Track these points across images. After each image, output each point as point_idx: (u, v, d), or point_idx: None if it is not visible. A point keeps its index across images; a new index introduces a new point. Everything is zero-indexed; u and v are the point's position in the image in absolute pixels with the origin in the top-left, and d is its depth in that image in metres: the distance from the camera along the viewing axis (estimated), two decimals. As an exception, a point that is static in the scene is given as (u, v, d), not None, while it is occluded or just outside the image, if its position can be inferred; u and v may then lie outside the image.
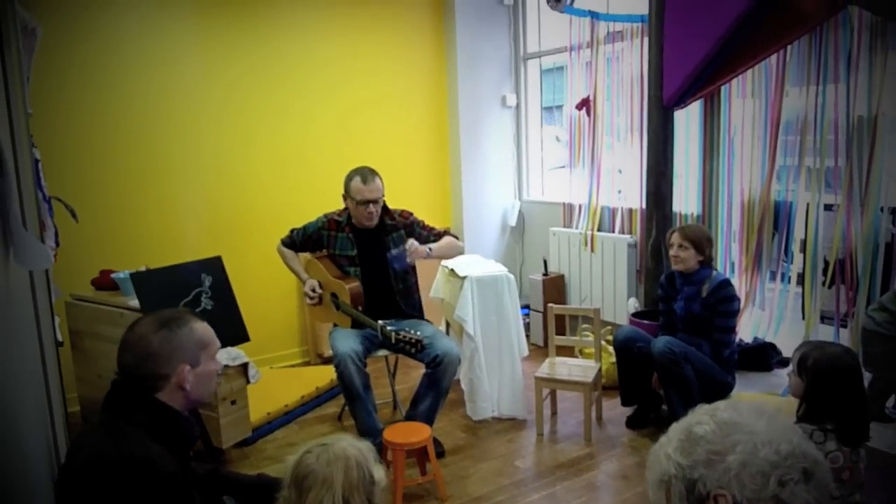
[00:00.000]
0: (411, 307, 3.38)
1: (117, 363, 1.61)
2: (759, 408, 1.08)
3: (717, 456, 1.02)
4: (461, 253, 3.46)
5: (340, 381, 3.04)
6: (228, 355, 3.16)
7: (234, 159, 4.40)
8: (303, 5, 4.55)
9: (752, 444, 1.00)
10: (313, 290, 3.36)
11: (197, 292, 3.24)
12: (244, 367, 3.25)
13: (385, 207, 3.32)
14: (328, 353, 4.60)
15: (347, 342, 3.09)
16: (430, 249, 3.20)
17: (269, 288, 4.55)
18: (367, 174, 3.21)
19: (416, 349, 2.94)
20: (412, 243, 3.17)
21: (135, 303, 3.13)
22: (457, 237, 3.43)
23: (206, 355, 1.66)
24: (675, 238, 3.31)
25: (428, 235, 3.35)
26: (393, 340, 2.97)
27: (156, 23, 4.08)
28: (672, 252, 3.30)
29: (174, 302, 3.10)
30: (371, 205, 3.19)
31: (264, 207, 4.50)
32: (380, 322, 3.03)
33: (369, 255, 3.32)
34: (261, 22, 4.41)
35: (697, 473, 1.03)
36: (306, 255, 3.56)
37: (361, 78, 4.79)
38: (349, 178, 3.25)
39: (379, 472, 1.46)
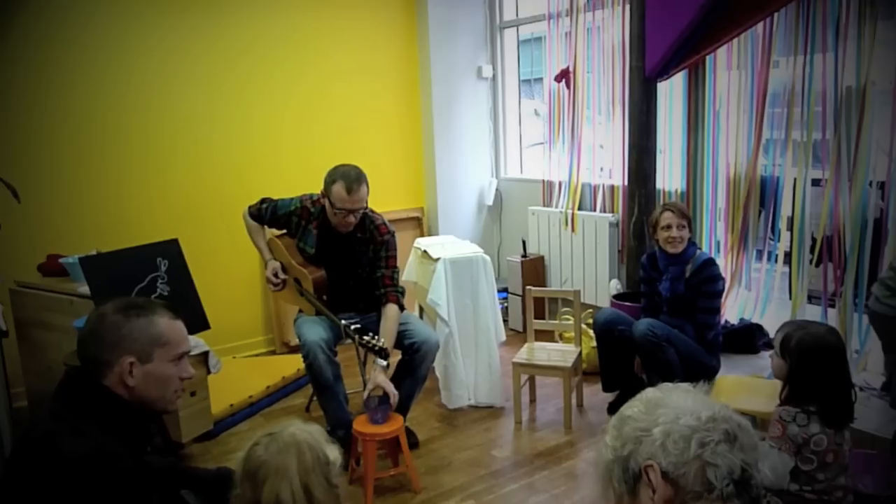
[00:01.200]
0: (376, 303, 3.24)
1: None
2: (688, 389, 1.17)
3: (644, 432, 1.10)
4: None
5: (309, 371, 3.02)
6: (187, 344, 3.12)
7: (194, 134, 4.33)
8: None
9: (673, 414, 1.09)
10: (276, 275, 3.30)
11: (152, 277, 3.21)
12: (204, 356, 3.23)
13: (364, 214, 3.16)
14: (295, 341, 4.59)
15: (315, 330, 3.05)
16: (385, 365, 2.93)
17: (232, 272, 4.51)
18: (352, 181, 3.00)
19: (380, 356, 2.89)
20: (380, 383, 2.90)
21: (85, 289, 3.08)
22: (400, 293, 3.20)
23: (163, 354, 1.58)
24: (672, 218, 3.29)
25: (383, 267, 3.18)
26: (356, 343, 2.94)
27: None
28: (670, 233, 3.29)
29: (127, 288, 3.06)
30: (351, 215, 3.06)
31: (226, 186, 4.44)
32: (343, 322, 2.98)
33: (333, 255, 3.21)
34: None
35: (628, 451, 1.11)
36: (273, 231, 3.49)
37: (326, 50, 4.74)
38: (331, 180, 3.04)
39: (333, 453, 1.47)
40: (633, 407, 1.16)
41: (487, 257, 3.69)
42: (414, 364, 3.11)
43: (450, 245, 3.83)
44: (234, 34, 4.40)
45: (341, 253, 3.21)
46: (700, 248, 3.47)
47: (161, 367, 1.57)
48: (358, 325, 2.96)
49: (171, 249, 3.30)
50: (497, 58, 5.34)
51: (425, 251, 3.77)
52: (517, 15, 5.23)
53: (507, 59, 5.36)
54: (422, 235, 5.10)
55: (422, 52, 5.14)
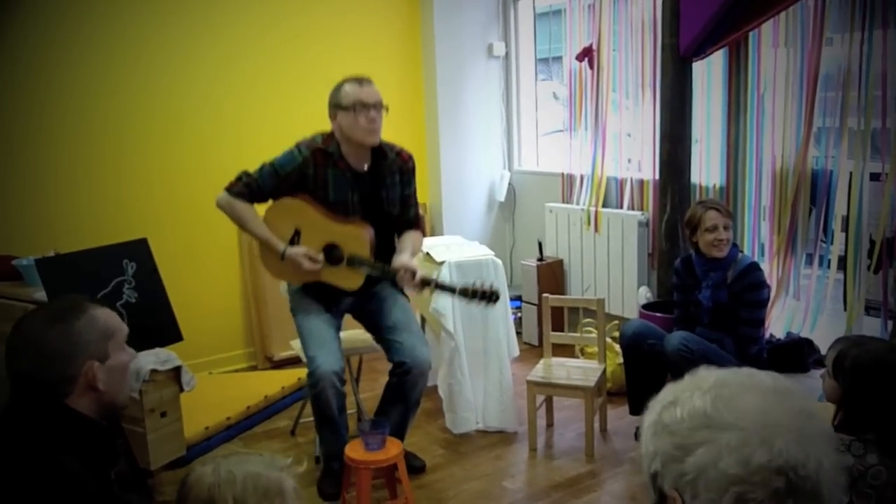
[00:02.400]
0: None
1: (9, 372, 1.59)
2: (764, 389, 1.02)
3: (676, 453, 1.00)
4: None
5: (314, 401, 3.01)
6: (157, 358, 3.13)
7: (165, 122, 4.34)
8: None
9: (716, 450, 0.97)
10: (312, 259, 2.99)
11: (117, 282, 3.21)
12: (176, 371, 3.23)
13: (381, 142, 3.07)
14: (280, 355, 4.61)
15: (324, 343, 2.99)
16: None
17: (208, 277, 4.52)
18: (360, 78, 2.95)
19: (490, 299, 2.85)
20: (405, 267, 2.92)
21: (41, 295, 3.08)
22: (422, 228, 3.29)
23: (115, 345, 1.66)
24: (718, 217, 3.28)
25: (413, 206, 3.19)
26: (458, 293, 2.87)
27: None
28: (717, 235, 3.27)
29: (89, 293, 3.06)
30: (373, 111, 2.91)
31: (201, 180, 4.44)
32: (435, 276, 2.99)
33: (366, 204, 3.05)
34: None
35: (654, 468, 1.03)
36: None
37: (319, 27, 4.74)
38: (337, 88, 2.97)
39: (287, 483, 1.43)
40: (676, 407, 1.03)
41: (499, 261, 3.68)
42: (404, 389, 3.09)
43: (456, 247, 3.83)
44: (216, 12, 4.42)
45: (373, 194, 3.06)
46: (742, 251, 3.46)
47: (117, 358, 1.67)
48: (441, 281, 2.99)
49: (139, 251, 3.30)
50: (510, 34, 5.34)
51: (428, 254, 3.77)
52: (533, -16, 5.24)
53: (522, 36, 5.36)
54: (425, 235, 5.09)
55: (425, 27, 5.14)
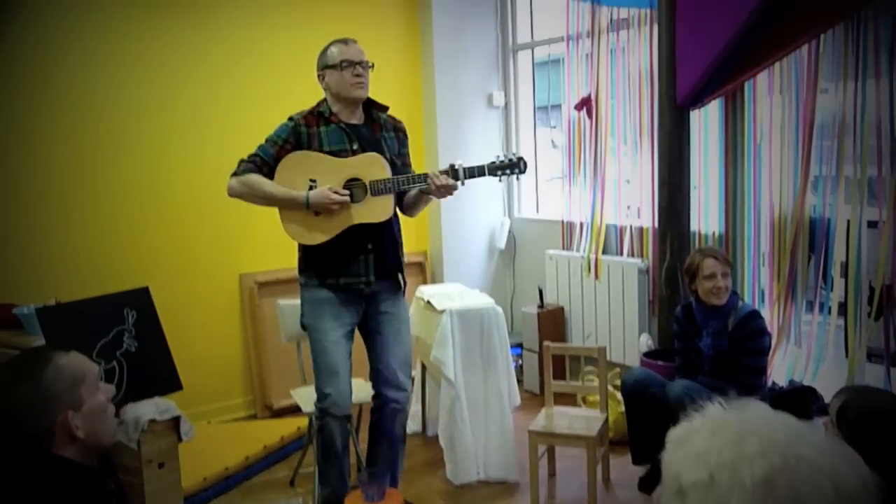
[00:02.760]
0: (395, 252, 3.18)
1: None
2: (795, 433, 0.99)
3: None
4: None
5: (320, 435, 3.02)
6: (156, 408, 3.11)
7: (168, 172, 4.39)
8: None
9: None
10: (337, 194, 2.90)
11: (118, 331, 3.21)
12: (175, 421, 3.20)
13: (369, 100, 3.10)
14: (279, 403, 4.58)
15: (335, 374, 2.97)
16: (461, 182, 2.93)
17: (207, 326, 4.52)
18: (345, 39, 3.01)
19: (518, 167, 2.96)
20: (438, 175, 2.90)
21: (41, 343, 3.09)
22: None
23: (88, 389, 1.63)
24: (716, 265, 3.31)
25: (406, 167, 3.15)
26: (488, 172, 2.94)
27: (80, 20, 4.11)
28: (715, 283, 3.30)
29: (89, 343, 3.06)
30: (360, 67, 2.96)
31: (202, 231, 4.48)
32: (459, 163, 2.90)
33: (367, 151, 3.02)
34: (202, 15, 4.45)
35: None
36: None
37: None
38: (324, 51, 3.02)
39: None
40: (693, 470, 0.99)
41: (499, 309, 3.68)
42: (384, 424, 3.13)
43: (457, 295, 3.84)
44: (215, 60, 4.51)
45: (372, 141, 3.04)
46: (742, 299, 3.46)
47: (93, 401, 1.65)
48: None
49: (140, 299, 3.30)
50: (510, 83, 5.42)
51: (429, 302, 3.77)
52: (532, 36, 5.33)
53: (522, 85, 5.44)
54: (425, 283, 5.12)
55: (426, 78, 5.23)
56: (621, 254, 4.62)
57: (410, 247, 5.24)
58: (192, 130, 4.45)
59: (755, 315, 3.31)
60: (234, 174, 2.99)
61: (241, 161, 2.99)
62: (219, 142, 4.49)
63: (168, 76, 4.38)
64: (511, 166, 2.99)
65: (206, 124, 4.48)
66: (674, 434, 1.08)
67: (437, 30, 5.13)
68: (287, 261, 4.05)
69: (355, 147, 3.01)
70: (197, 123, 4.46)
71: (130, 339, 3.21)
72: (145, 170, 4.33)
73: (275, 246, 4.50)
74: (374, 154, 3.00)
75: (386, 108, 3.19)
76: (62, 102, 4.08)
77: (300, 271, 3.11)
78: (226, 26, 4.53)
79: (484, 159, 3.11)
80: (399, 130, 3.18)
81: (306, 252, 3.06)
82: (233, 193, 3.02)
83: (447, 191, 2.92)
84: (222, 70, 4.53)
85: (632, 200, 4.60)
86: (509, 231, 5.45)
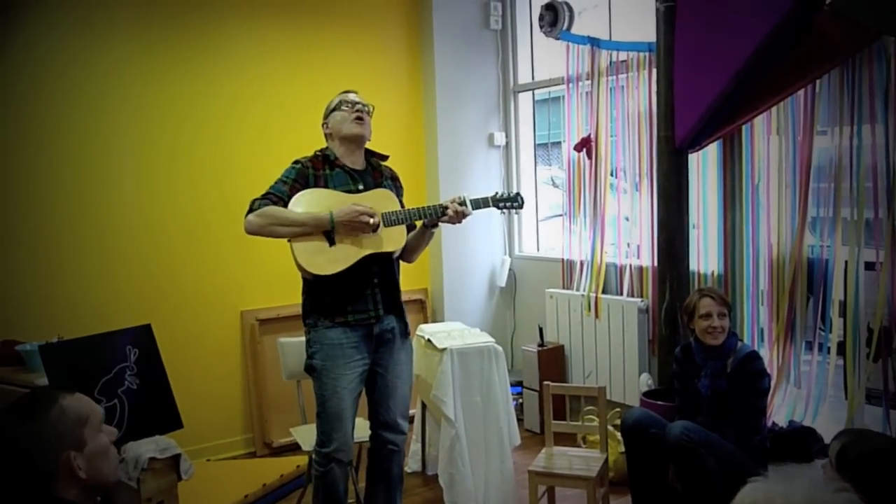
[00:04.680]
0: (397, 293, 3.22)
1: None
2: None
3: None
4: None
5: (321, 482, 3.00)
6: (156, 446, 3.12)
7: (170, 209, 4.44)
8: (252, 32, 4.67)
9: None
10: (365, 212, 2.95)
11: (120, 368, 3.23)
12: (175, 460, 3.21)
13: (369, 150, 3.22)
14: (279, 441, 4.58)
15: (341, 420, 2.97)
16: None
17: (209, 361, 4.53)
18: (346, 90, 3.19)
19: (516, 202, 3.21)
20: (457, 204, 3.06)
21: (43, 381, 3.10)
22: None
23: (91, 430, 1.65)
24: (712, 305, 3.32)
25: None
26: (491, 205, 3.15)
27: (85, 51, 4.17)
28: (710, 323, 3.32)
29: (91, 380, 3.08)
30: (363, 112, 3.09)
31: (203, 265, 4.52)
32: (465, 196, 3.06)
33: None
34: (207, 54, 4.53)
35: None
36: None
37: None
38: (329, 104, 3.17)
39: None
40: None
41: (499, 348, 3.70)
42: (381, 465, 3.16)
43: (457, 333, 3.85)
44: (220, 98, 4.57)
45: (376, 185, 3.15)
46: (741, 340, 3.48)
47: (96, 443, 1.65)
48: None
49: (142, 336, 3.34)
50: (510, 124, 5.50)
51: (429, 340, 3.79)
52: (533, 77, 5.41)
53: (522, 123, 5.51)
54: (426, 321, 5.13)
55: (428, 119, 5.31)
56: (621, 293, 4.65)
57: (412, 284, 5.31)
58: (194, 168, 4.50)
59: (754, 356, 3.32)
60: (250, 211, 2.96)
61: (255, 200, 2.99)
62: (220, 180, 4.55)
63: (170, 115, 4.43)
64: (511, 200, 3.20)
65: (208, 163, 4.53)
66: None
67: (440, 72, 5.22)
68: (288, 297, 4.10)
69: (361, 187, 3.08)
70: (199, 162, 4.51)
71: (132, 376, 3.23)
72: (147, 207, 4.37)
73: (276, 283, 4.59)
74: (384, 189, 3.10)
75: (385, 157, 3.26)
76: (64, 141, 4.13)
77: (307, 313, 3.09)
78: (233, 68, 4.60)
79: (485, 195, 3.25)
80: (396, 179, 3.28)
81: (312, 291, 3.06)
82: (251, 228, 2.96)
83: (461, 217, 3.07)
84: (224, 111, 4.59)
85: (631, 238, 4.64)
86: (510, 269, 5.48)
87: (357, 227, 2.94)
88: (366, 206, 2.95)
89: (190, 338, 4.44)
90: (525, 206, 3.29)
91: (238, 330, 4.68)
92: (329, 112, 3.14)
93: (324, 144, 3.16)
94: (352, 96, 3.14)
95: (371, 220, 2.94)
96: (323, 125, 3.17)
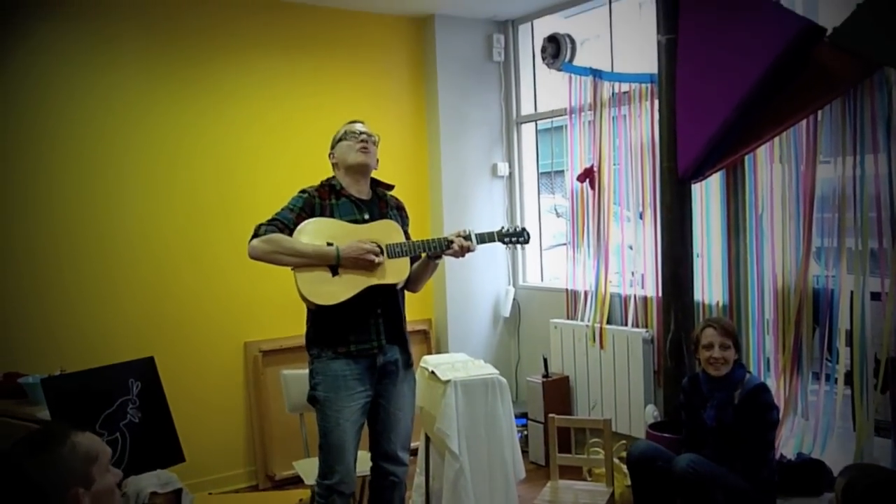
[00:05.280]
0: (401, 324, 3.21)
1: None
2: None
3: None
4: None
5: None
6: (158, 480, 3.10)
7: (172, 239, 4.44)
8: (254, 67, 4.70)
9: None
10: (370, 248, 2.96)
11: (122, 402, 3.22)
12: (176, 494, 3.18)
13: (375, 179, 3.22)
14: (281, 474, 4.54)
15: (344, 453, 2.97)
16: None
17: (211, 394, 4.51)
18: (352, 120, 3.21)
19: (522, 237, 3.21)
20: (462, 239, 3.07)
21: (45, 414, 3.09)
22: None
23: (99, 469, 1.66)
24: (713, 335, 3.33)
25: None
26: (496, 240, 3.18)
27: (92, 83, 4.20)
28: (712, 353, 3.32)
29: (93, 414, 3.07)
30: (364, 135, 3.10)
31: (206, 296, 4.52)
32: (470, 230, 3.09)
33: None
34: (210, 84, 4.56)
35: None
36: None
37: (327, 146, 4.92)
38: (337, 133, 3.18)
39: None
40: None
41: (503, 380, 3.67)
42: (384, 500, 3.14)
43: (461, 365, 3.83)
44: (224, 131, 4.60)
45: (382, 216, 3.15)
46: (749, 371, 3.46)
47: (103, 482, 1.67)
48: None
49: (145, 370, 3.33)
50: (514, 154, 5.52)
51: (433, 372, 3.77)
52: (536, 108, 5.45)
53: (525, 155, 5.54)
54: (429, 352, 5.12)
55: (431, 150, 5.33)
56: (626, 323, 4.63)
57: (415, 314, 5.28)
58: (197, 197, 4.51)
59: (763, 389, 3.30)
60: (256, 236, 2.95)
61: (261, 225, 2.98)
62: (224, 209, 4.56)
63: (171, 145, 4.45)
64: (517, 235, 3.20)
65: (211, 192, 4.55)
66: None
67: (443, 104, 5.24)
68: (292, 329, 4.09)
69: (366, 217, 3.09)
70: (202, 191, 4.53)
71: (134, 409, 3.22)
72: (150, 236, 4.38)
73: (280, 314, 4.58)
74: (389, 221, 3.11)
75: (391, 187, 3.27)
76: (66, 168, 4.15)
77: (310, 343, 3.08)
78: (236, 96, 4.63)
79: (489, 227, 3.26)
80: (402, 209, 3.28)
81: (316, 320, 3.06)
82: (255, 254, 2.95)
83: (466, 251, 3.09)
84: (227, 138, 4.61)
85: (636, 266, 4.64)
86: (514, 299, 5.47)
87: (361, 264, 2.96)
88: (372, 245, 2.96)
89: (193, 369, 4.42)
90: (531, 240, 3.29)
91: (241, 361, 4.66)
92: (335, 142, 3.17)
93: (330, 174, 3.18)
94: (357, 126, 3.16)
95: (376, 260, 2.95)
96: (329, 155, 3.19)
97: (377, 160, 3.18)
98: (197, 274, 4.51)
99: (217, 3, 4.56)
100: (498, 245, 5.47)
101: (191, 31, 4.48)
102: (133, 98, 4.32)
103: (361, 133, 3.11)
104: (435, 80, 5.25)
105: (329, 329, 3.01)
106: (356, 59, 5.06)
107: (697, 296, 4.11)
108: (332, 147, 3.17)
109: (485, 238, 3.15)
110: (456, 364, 3.84)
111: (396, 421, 3.12)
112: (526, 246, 3.49)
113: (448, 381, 3.58)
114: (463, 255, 3.11)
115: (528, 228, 3.27)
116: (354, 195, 3.11)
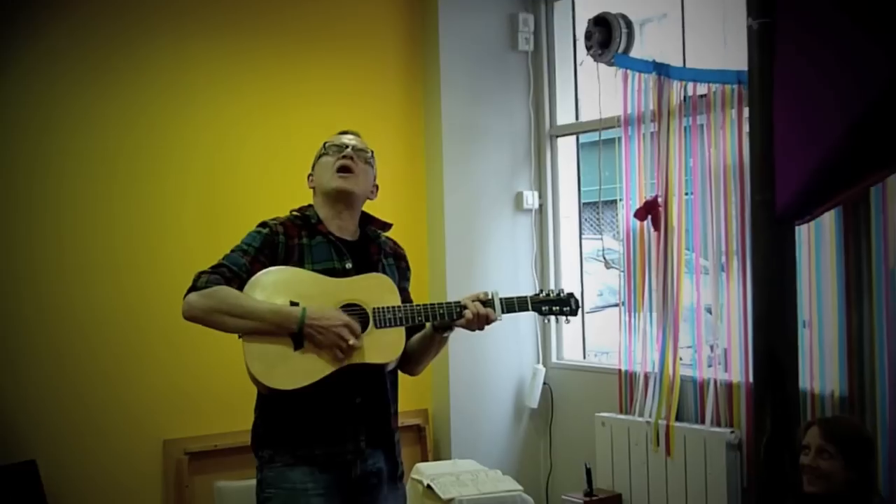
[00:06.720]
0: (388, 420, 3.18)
1: None
2: None
3: None
4: None
5: None
6: None
7: (67, 307, 4.47)
8: (220, 71, 4.84)
9: None
10: (350, 327, 2.89)
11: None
12: None
13: (363, 214, 3.17)
14: None
15: None
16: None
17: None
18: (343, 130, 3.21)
19: (569, 307, 3.11)
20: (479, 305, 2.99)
21: None
22: None
23: None
24: (814, 436, 3.31)
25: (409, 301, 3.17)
26: (530, 308, 3.08)
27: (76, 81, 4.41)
28: (806, 461, 3.30)
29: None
30: (349, 150, 3.05)
31: (112, 378, 4.51)
32: (490, 293, 2.99)
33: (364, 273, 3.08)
34: (181, 100, 4.72)
35: None
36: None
37: (299, 166, 4.96)
38: (318, 151, 3.15)
39: None
40: None
41: (529, 499, 3.64)
42: None
43: (469, 477, 3.81)
44: (193, 146, 4.75)
45: (371, 264, 3.09)
46: (880, 494, 3.41)
47: None
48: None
49: (24, 477, 3.31)
50: (546, 179, 5.54)
51: (430, 486, 3.74)
52: (577, 117, 5.47)
53: (563, 180, 5.57)
54: (424, 459, 5.06)
55: (431, 176, 5.37)
56: (703, 420, 4.60)
57: (407, 404, 5.23)
58: (108, 234, 4.56)
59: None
60: (194, 288, 2.89)
61: (201, 273, 2.92)
62: (144, 247, 4.61)
63: (159, 152, 4.65)
64: (560, 303, 3.11)
65: (121, 228, 4.60)
66: None
67: (447, 109, 5.30)
68: (232, 422, 4.08)
69: (348, 266, 3.03)
70: (115, 225, 4.58)
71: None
72: (34, 289, 4.42)
73: (215, 401, 4.55)
74: (379, 274, 3.05)
75: (388, 227, 3.24)
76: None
77: (259, 441, 3.02)
78: (209, 125, 4.78)
79: (512, 283, 3.22)
80: (401, 259, 3.24)
81: (269, 411, 3.01)
82: (192, 312, 2.89)
83: (484, 322, 3.00)
84: (194, 145, 4.76)
85: (716, 340, 4.62)
86: (544, 383, 5.45)
87: (331, 340, 2.86)
88: (349, 319, 2.88)
89: (91, 476, 4.37)
90: (578, 311, 3.16)
91: (160, 466, 4.62)
92: (315, 159, 3.14)
93: (306, 198, 3.14)
94: (345, 138, 3.12)
95: (351, 341, 2.87)
96: (308, 177, 3.16)
97: (375, 186, 3.16)
98: (97, 348, 4.49)
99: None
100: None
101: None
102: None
103: (346, 147, 3.06)
104: (437, 78, 5.30)
105: (286, 424, 2.96)
106: (326, 48, 5.13)
107: (804, 382, 4.07)
108: (312, 166, 3.14)
109: (514, 305, 3.06)
110: (462, 476, 3.82)
111: None
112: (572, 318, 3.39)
113: (451, 501, 3.55)
114: (481, 328, 3.02)
115: (575, 294, 3.16)
116: (334, 233, 3.06)
